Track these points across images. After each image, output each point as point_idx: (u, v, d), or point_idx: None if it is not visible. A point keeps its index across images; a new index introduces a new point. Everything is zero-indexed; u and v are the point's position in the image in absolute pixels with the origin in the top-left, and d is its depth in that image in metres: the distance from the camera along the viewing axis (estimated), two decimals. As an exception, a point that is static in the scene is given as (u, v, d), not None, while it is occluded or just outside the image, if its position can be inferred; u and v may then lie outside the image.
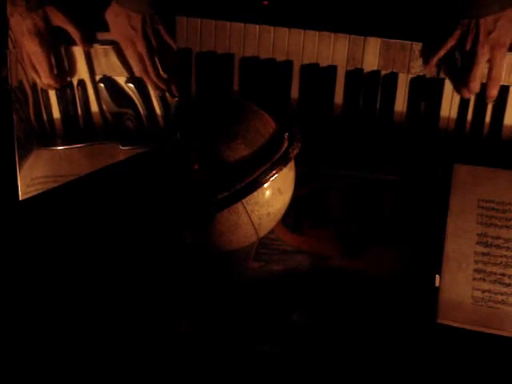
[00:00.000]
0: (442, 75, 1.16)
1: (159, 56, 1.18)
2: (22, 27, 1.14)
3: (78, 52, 1.21)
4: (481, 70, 1.11)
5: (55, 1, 1.16)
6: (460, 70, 1.13)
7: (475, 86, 1.12)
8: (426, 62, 1.15)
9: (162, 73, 1.19)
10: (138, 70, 1.19)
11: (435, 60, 1.13)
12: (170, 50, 1.18)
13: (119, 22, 1.16)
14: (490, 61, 1.11)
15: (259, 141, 0.98)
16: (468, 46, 1.10)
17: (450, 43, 1.11)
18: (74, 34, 1.18)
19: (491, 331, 0.93)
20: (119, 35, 1.18)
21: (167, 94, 1.22)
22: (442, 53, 1.12)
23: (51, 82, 1.20)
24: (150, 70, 1.18)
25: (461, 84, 1.14)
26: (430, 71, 1.15)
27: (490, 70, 1.11)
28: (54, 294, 0.97)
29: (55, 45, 1.19)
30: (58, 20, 1.17)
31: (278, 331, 0.95)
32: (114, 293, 0.98)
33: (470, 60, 1.11)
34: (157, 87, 1.20)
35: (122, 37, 1.17)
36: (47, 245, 1.03)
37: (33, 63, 1.18)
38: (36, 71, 1.18)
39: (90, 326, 0.94)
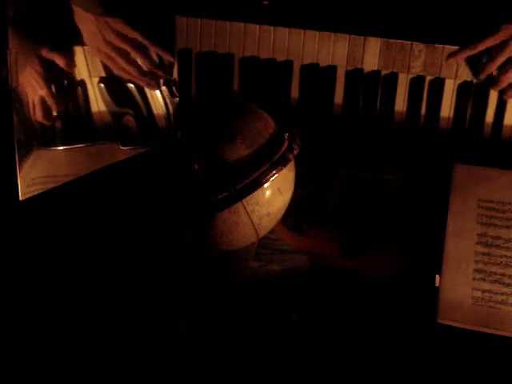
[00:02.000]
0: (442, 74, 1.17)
1: (138, 53, 1.17)
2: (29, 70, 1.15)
3: (79, 52, 1.21)
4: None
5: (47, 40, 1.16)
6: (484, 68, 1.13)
7: (503, 85, 1.13)
8: (452, 55, 1.14)
9: (146, 68, 1.17)
10: (114, 70, 1.18)
11: (466, 55, 1.13)
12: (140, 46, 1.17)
13: (81, 27, 1.15)
14: None
15: (259, 141, 0.98)
16: (509, 52, 1.10)
17: (489, 43, 1.11)
18: (60, 62, 1.17)
19: (491, 331, 0.93)
20: (85, 40, 1.17)
21: (167, 94, 1.22)
22: (476, 49, 1.12)
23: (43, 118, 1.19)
24: (128, 68, 1.16)
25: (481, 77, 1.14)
26: (453, 62, 1.15)
27: None
28: (54, 294, 0.97)
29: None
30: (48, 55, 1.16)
31: (278, 331, 0.95)
32: (113, 292, 0.98)
33: (507, 64, 1.11)
34: (147, 84, 1.20)
35: (87, 42, 1.16)
36: (47, 245, 1.03)
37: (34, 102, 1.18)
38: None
39: (90, 326, 0.94)
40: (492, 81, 1.14)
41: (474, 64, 1.15)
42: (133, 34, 1.14)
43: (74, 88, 1.21)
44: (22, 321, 0.94)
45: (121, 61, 1.15)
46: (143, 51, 1.16)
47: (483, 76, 1.14)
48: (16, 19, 1.10)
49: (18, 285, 0.98)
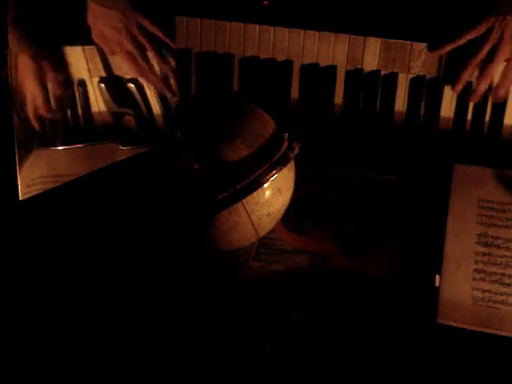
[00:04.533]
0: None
1: (155, 52, 1.17)
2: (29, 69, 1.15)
3: (79, 52, 1.21)
4: (496, 69, 1.12)
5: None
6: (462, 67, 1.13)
7: (484, 86, 1.13)
8: (435, 49, 1.14)
9: (157, 69, 1.17)
10: (132, 71, 1.18)
11: (449, 48, 1.13)
12: (163, 44, 1.17)
13: (99, 24, 1.14)
14: (508, 60, 1.11)
15: (259, 141, 0.98)
16: (491, 43, 1.10)
17: (471, 35, 1.11)
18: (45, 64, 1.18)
19: (491, 331, 0.93)
20: (102, 38, 1.16)
21: (168, 94, 1.22)
22: (459, 42, 1.12)
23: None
24: (144, 67, 1.16)
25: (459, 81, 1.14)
26: (435, 56, 1.15)
27: (507, 70, 1.12)
28: (54, 294, 0.97)
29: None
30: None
31: (278, 331, 0.95)
32: (113, 292, 0.98)
33: (489, 57, 1.11)
34: (155, 85, 1.19)
35: (106, 39, 1.16)
36: (47, 245, 1.03)
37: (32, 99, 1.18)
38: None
39: (90, 326, 0.94)
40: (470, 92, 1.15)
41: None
42: (157, 32, 1.14)
43: (71, 89, 1.21)
44: (22, 320, 0.94)
45: (139, 58, 1.15)
46: (160, 51, 1.17)
47: (470, 70, 1.13)
48: (17, 18, 1.10)
49: (18, 285, 0.98)
